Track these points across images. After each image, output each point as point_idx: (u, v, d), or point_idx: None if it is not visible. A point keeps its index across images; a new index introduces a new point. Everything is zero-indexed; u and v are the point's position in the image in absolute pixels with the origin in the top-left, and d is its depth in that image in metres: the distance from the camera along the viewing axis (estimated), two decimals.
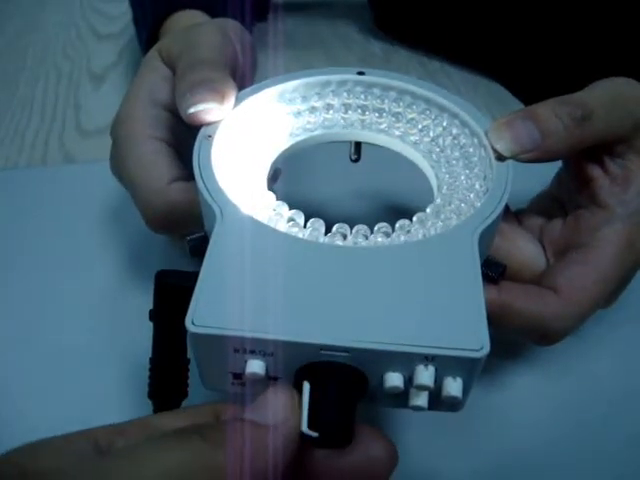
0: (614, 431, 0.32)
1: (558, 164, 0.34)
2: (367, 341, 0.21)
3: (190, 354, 0.25)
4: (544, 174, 0.34)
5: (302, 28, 0.69)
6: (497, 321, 0.27)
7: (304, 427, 0.20)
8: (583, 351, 0.35)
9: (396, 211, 0.43)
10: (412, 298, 0.22)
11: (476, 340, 0.21)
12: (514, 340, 0.33)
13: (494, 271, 0.27)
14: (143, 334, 0.26)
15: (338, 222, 0.27)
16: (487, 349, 0.21)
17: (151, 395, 0.26)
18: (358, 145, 0.33)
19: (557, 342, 0.29)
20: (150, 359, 0.26)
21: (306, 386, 0.21)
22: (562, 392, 0.34)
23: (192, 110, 0.29)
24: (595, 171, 0.30)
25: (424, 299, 0.22)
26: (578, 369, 0.35)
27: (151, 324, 0.25)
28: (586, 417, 0.33)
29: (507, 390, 0.34)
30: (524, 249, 0.31)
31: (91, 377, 0.33)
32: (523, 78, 0.59)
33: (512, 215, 0.33)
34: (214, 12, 0.44)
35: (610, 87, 0.31)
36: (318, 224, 0.26)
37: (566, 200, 0.33)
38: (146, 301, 0.25)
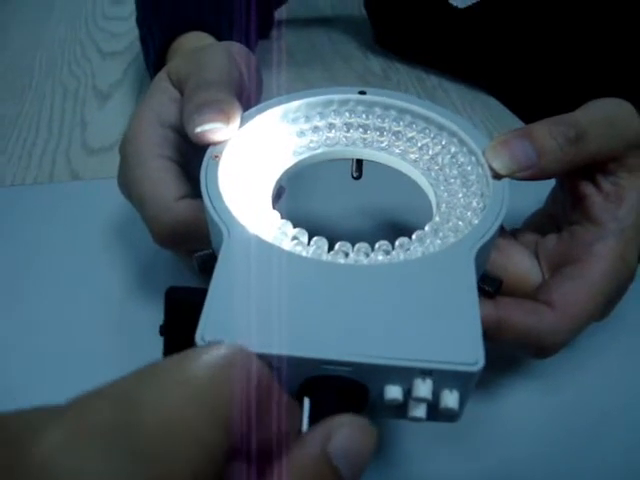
0: (610, 442, 0.33)
1: (552, 183, 0.35)
2: (367, 356, 0.22)
3: None
4: (538, 194, 0.35)
5: (302, 45, 0.70)
6: (493, 335, 0.28)
7: None
8: (578, 363, 0.36)
9: (396, 228, 0.44)
10: (411, 314, 0.23)
11: (471, 355, 0.22)
12: (510, 353, 0.34)
13: (491, 286, 0.28)
14: (151, 348, 0.27)
15: (340, 238, 0.27)
16: (482, 363, 0.22)
17: None
18: (360, 163, 0.34)
19: (552, 355, 0.30)
20: None
21: (306, 401, 0.22)
22: (557, 403, 0.34)
23: (199, 130, 0.30)
24: (588, 188, 0.31)
25: (422, 315, 0.23)
26: (573, 381, 0.35)
27: (161, 339, 0.26)
28: (581, 428, 0.33)
29: (504, 401, 0.34)
30: (520, 264, 0.32)
31: None
32: (520, 94, 0.60)
33: (508, 232, 0.34)
34: (220, 34, 0.45)
35: (603, 107, 0.31)
36: (321, 242, 0.27)
37: (560, 216, 0.34)
38: (153, 315, 0.26)
